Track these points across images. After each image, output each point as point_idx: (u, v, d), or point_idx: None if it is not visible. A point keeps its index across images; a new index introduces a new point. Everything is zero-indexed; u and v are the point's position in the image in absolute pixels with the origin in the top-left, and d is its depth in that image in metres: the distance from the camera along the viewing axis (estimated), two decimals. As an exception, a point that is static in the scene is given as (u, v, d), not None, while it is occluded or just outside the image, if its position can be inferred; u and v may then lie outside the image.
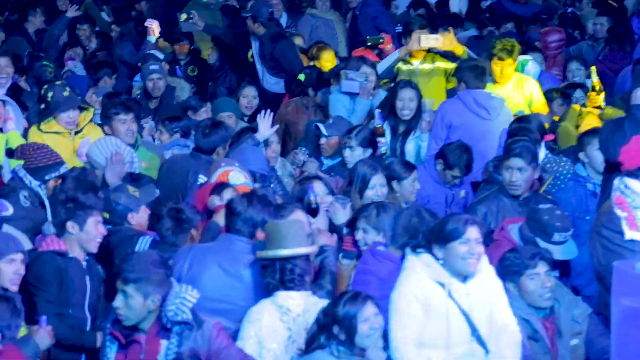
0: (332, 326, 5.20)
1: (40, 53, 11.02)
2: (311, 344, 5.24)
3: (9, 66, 9.16)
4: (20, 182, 6.85)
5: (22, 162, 6.98)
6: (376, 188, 6.83)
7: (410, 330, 5.42)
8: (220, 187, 6.57)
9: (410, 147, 8.51)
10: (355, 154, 7.71)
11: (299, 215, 6.04)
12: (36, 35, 12.34)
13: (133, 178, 6.95)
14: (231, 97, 9.74)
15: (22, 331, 5.41)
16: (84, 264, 5.93)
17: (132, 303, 4.94)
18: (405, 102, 8.48)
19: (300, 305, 5.43)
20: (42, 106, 7.91)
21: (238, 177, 6.78)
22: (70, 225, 5.85)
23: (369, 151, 7.83)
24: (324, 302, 5.40)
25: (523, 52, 9.83)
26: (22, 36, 12.13)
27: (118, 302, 4.95)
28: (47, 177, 6.83)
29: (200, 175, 7.20)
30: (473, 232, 5.44)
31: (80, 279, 5.90)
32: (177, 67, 10.43)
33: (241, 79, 10.13)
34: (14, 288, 5.46)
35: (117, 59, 11.16)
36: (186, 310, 4.97)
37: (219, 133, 7.68)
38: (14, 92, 9.06)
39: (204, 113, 8.84)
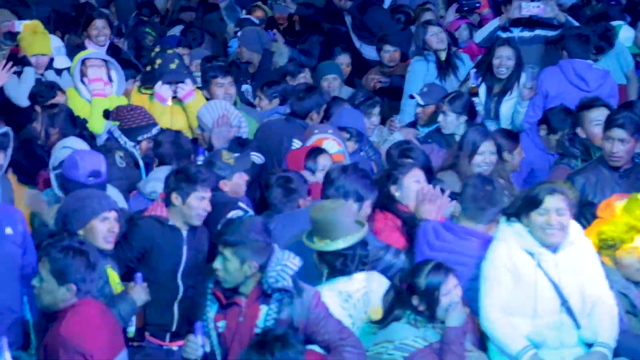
0: (410, 297, 5.18)
1: (144, 17, 11.12)
2: (386, 317, 5.22)
3: (106, 27, 9.26)
4: (115, 142, 6.97)
5: (117, 123, 7.10)
6: (485, 154, 6.78)
7: (498, 297, 5.42)
8: (316, 151, 6.55)
9: (505, 108, 8.41)
10: (448, 120, 7.68)
11: (416, 173, 6.06)
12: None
13: (239, 143, 6.99)
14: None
15: (119, 288, 5.52)
16: (184, 233, 5.96)
17: (230, 267, 4.96)
18: (503, 60, 8.38)
19: (361, 290, 5.39)
20: (148, 68, 7.98)
21: (332, 145, 6.76)
22: (174, 196, 5.90)
23: (464, 117, 7.75)
24: (385, 280, 5.39)
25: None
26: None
27: (217, 263, 4.98)
28: (139, 138, 6.96)
29: (295, 140, 7.21)
30: (553, 202, 5.37)
31: (176, 248, 5.93)
32: (270, 31, 10.43)
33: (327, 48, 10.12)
34: (108, 246, 5.54)
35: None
36: (287, 277, 4.97)
37: (313, 98, 7.67)
38: (113, 51, 9.17)
39: (302, 79, 8.83)
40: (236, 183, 6.42)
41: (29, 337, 5.65)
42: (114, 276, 5.58)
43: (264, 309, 5.01)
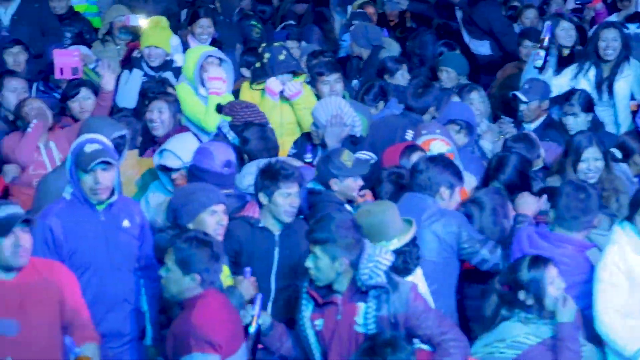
0: (516, 294, 5.14)
1: (249, 11, 11.20)
2: (494, 319, 5.19)
3: (210, 26, 9.32)
4: (223, 137, 7.02)
5: (229, 118, 7.17)
6: (589, 162, 6.57)
7: (613, 300, 5.41)
8: (410, 148, 6.51)
9: (620, 87, 8.23)
10: (579, 121, 7.57)
11: None
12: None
13: (352, 141, 6.99)
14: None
15: (228, 281, 5.60)
16: (276, 234, 5.89)
17: (321, 264, 4.95)
18: (609, 42, 8.25)
19: (424, 286, 5.37)
20: (257, 65, 7.97)
21: (440, 146, 6.69)
22: (261, 196, 5.86)
23: (591, 115, 7.65)
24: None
25: None
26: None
27: (309, 262, 4.99)
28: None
29: (408, 131, 7.13)
30: None
31: (267, 250, 5.88)
32: (384, 28, 10.42)
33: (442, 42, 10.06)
34: (218, 239, 5.52)
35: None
36: (380, 273, 4.95)
37: (432, 93, 7.61)
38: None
39: (400, 76, 8.77)
40: (348, 186, 6.26)
41: (144, 329, 5.76)
42: (224, 269, 5.64)
43: (361, 306, 4.99)
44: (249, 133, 6.82)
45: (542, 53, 8.22)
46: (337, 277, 4.97)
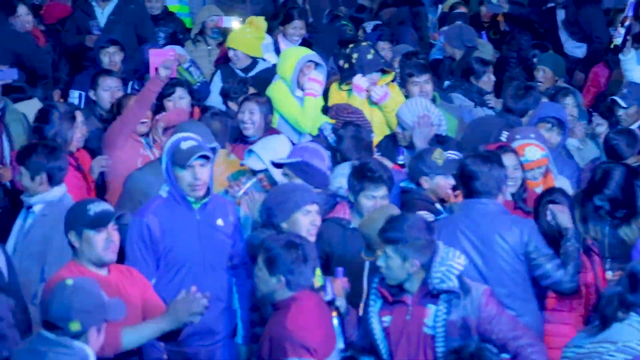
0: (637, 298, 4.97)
1: (338, 11, 11.20)
2: (605, 320, 5.07)
3: (303, 28, 9.34)
4: (324, 139, 7.03)
5: (333, 121, 7.18)
6: None
7: None
8: (501, 150, 6.38)
9: None
10: None
11: None
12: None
13: (439, 140, 6.94)
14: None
15: (319, 281, 5.59)
16: None
17: (391, 264, 4.92)
18: None
19: None
20: (346, 66, 7.96)
21: (535, 152, 6.56)
22: (350, 195, 5.87)
23: None
24: None
25: None
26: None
27: (380, 261, 4.96)
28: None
29: (504, 132, 7.03)
30: None
31: (359, 252, 5.81)
32: (482, 31, 10.34)
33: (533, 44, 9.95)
34: (311, 239, 5.52)
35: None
36: (452, 277, 4.90)
37: (532, 95, 7.54)
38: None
39: (486, 78, 8.68)
40: (438, 184, 6.25)
41: (236, 327, 5.80)
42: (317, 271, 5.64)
43: (432, 308, 4.94)
44: (343, 131, 6.82)
45: (622, 31, 8.04)
46: (408, 277, 4.93)
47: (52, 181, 5.92)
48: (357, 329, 5.14)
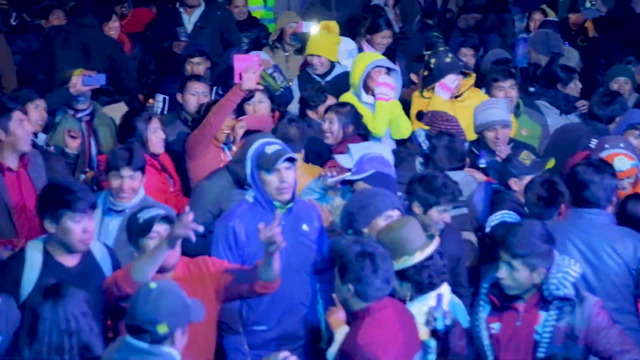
0: None
1: (429, 20, 11.15)
2: None
3: (389, 37, 9.33)
4: (417, 146, 7.03)
5: (427, 128, 7.16)
6: None
7: None
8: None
9: None
10: None
11: None
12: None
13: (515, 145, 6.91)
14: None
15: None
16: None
17: (518, 276, 4.89)
18: None
19: (448, 299, 5.18)
20: (425, 73, 7.98)
21: (624, 162, 6.48)
22: (415, 205, 5.87)
23: None
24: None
25: None
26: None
27: (503, 273, 4.91)
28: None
29: (593, 140, 6.95)
30: None
31: None
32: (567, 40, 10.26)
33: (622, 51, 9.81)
34: None
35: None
36: (568, 285, 4.87)
37: (618, 101, 7.47)
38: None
39: (573, 85, 8.61)
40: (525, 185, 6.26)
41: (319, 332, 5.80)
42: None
43: (542, 315, 4.91)
44: (437, 141, 6.81)
45: None
46: (532, 286, 4.91)
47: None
48: (463, 337, 5.09)
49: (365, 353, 4.60)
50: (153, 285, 4.34)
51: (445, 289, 5.19)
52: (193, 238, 4.85)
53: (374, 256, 4.75)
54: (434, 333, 4.88)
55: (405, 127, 7.73)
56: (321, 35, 8.90)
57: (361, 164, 6.23)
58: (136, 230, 5.11)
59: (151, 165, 6.67)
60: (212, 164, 7.03)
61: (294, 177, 5.63)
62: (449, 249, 5.84)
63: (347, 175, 6.23)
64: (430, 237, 5.29)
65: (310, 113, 7.82)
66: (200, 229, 4.85)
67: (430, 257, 5.14)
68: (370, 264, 4.73)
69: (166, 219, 5.10)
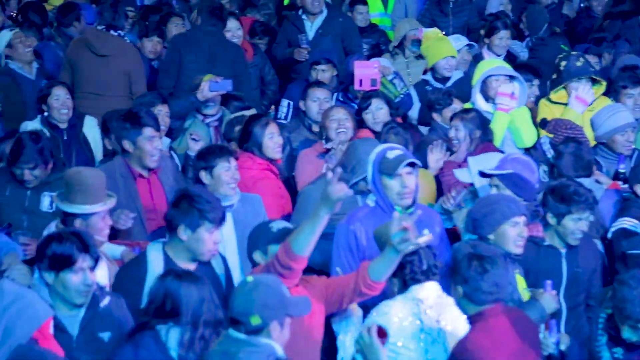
0: None
1: (556, 28, 10.97)
2: None
3: (508, 39, 9.25)
4: (542, 154, 6.96)
5: (551, 135, 7.08)
6: None
7: None
8: None
9: None
10: None
11: None
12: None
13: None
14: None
15: (526, 294, 5.53)
16: (564, 252, 5.82)
17: None
18: None
19: (432, 298, 5.10)
20: (554, 76, 7.87)
21: None
22: (549, 216, 5.81)
23: None
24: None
25: None
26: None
27: (626, 334, 4.80)
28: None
29: None
30: None
31: (555, 269, 5.79)
32: None
33: None
34: (519, 250, 5.52)
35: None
36: None
37: None
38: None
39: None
40: None
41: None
42: (521, 282, 5.57)
43: None
44: (564, 147, 6.72)
45: None
46: None
47: None
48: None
49: (470, 357, 4.60)
50: (250, 278, 4.48)
51: (432, 287, 5.17)
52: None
53: (482, 258, 4.76)
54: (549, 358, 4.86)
55: (528, 136, 7.60)
56: (441, 39, 8.90)
57: (504, 162, 6.17)
58: (271, 237, 5.16)
59: (268, 170, 6.77)
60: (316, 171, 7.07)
61: (415, 182, 5.65)
62: (586, 260, 5.83)
63: (484, 169, 6.19)
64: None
65: (436, 116, 7.81)
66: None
67: (414, 253, 5.14)
68: (479, 265, 4.74)
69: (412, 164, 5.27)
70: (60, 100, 7.71)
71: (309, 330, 5.10)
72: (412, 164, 5.62)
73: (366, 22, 10.40)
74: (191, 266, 5.23)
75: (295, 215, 6.50)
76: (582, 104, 7.69)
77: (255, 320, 4.32)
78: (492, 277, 4.72)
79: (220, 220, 5.24)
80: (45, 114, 7.75)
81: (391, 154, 5.63)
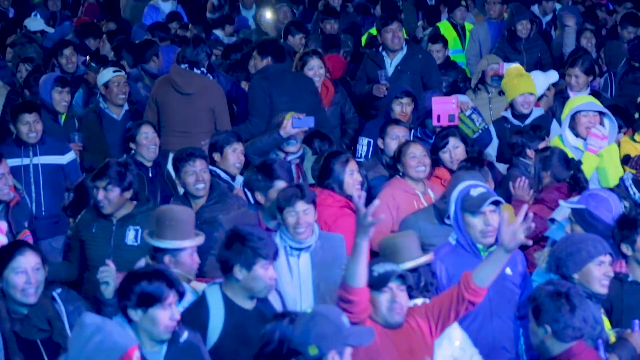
0: None
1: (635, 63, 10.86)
2: None
3: (583, 76, 9.18)
4: (624, 190, 6.90)
5: (633, 171, 7.05)
6: None
7: None
8: None
9: None
10: None
11: None
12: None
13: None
14: None
15: (611, 335, 5.46)
16: None
17: None
18: None
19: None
20: (637, 115, 7.85)
21: None
22: (624, 247, 5.76)
23: None
24: None
25: None
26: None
27: None
28: None
29: None
30: None
31: (638, 305, 5.74)
32: None
33: None
34: (604, 290, 5.48)
35: None
36: None
37: None
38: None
39: None
40: None
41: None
42: (606, 322, 5.53)
43: None
44: None
45: None
46: None
47: None
48: None
49: None
50: (309, 310, 4.51)
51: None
52: None
53: (569, 295, 4.78)
54: None
55: (613, 176, 7.53)
56: (520, 76, 8.86)
57: (582, 196, 6.18)
58: (369, 282, 5.15)
59: (347, 207, 6.78)
60: (406, 209, 7.10)
61: (498, 220, 5.61)
62: None
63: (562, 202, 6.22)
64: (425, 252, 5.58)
65: (530, 152, 7.67)
66: None
67: (414, 270, 5.34)
68: (566, 302, 4.76)
69: (401, 277, 5.20)
70: (149, 137, 7.88)
71: (416, 350, 5.13)
72: (495, 202, 5.62)
73: (442, 59, 10.44)
74: (250, 302, 5.30)
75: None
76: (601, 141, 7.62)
77: (313, 350, 4.36)
78: (581, 312, 4.77)
79: (274, 255, 5.29)
80: (133, 152, 7.91)
81: (475, 192, 5.64)
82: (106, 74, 8.97)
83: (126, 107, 9.05)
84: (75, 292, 5.66)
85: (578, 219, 6.00)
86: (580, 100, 7.97)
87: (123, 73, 9.13)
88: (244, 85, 9.49)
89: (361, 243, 4.89)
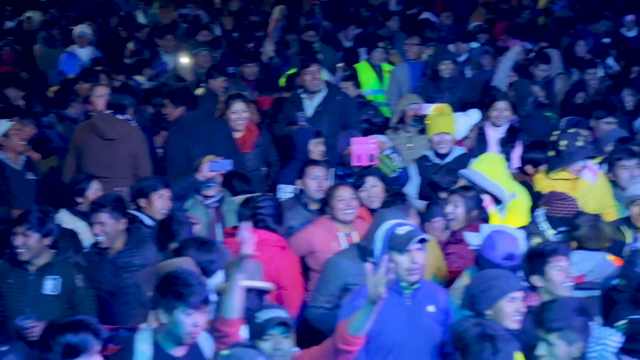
0: None
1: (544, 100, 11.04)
2: None
3: (507, 110, 9.29)
4: (535, 226, 6.99)
5: (546, 207, 7.13)
6: None
7: None
8: None
9: None
10: None
11: None
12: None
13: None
14: None
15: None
16: None
17: (556, 351, 4.92)
18: None
19: None
20: (553, 153, 7.89)
21: None
22: (534, 279, 5.91)
23: None
24: None
25: None
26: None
27: (541, 350, 4.94)
28: (561, 229, 6.89)
29: None
30: None
31: None
32: None
33: None
34: (516, 325, 5.55)
35: None
36: (609, 356, 4.88)
37: None
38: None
39: None
40: None
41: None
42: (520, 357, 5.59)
43: None
44: (580, 220, 6.76)
45: None
46: None
47: (206, 274, 5.93)
48: None
49: None
50: (225, 352, 4.58)
51: None
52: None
53: (494, 339, 4.82)
54: None
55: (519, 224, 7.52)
56: (440, 115, 8.99)
57: (486, 236, 6.29)
58: (253, 330, 5.21)
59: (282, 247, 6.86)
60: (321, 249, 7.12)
61: (424, 258, 5.68)
62: None
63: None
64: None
65: (443, 194, 7.74)
66: None
67: None
68: (490, 346, 4.80)
69: (284, 324, 5.22)
70: (99, 194, 7.65)
71: None
72: (422, 240, 5.66)
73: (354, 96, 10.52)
74: (180, 350, 5.15)
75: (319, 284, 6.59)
76: (593, 175, 7.75)
77: None
78: (505, 356, 4.83)
79: (201, 304, 5.08)
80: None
81: (401, 230, 5.66)
82: (2, 125, 8.86)
83: (24, 157, 8.95)
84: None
85: (479, 262, 6.15)
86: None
87: (17, 121, 9.02)
88: (164, 134, 9.48)
89: (372, 304, 5.00)
